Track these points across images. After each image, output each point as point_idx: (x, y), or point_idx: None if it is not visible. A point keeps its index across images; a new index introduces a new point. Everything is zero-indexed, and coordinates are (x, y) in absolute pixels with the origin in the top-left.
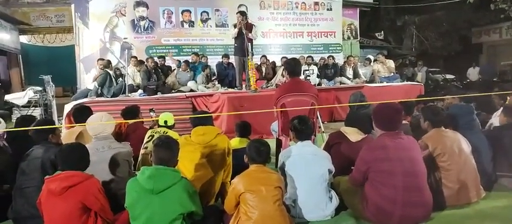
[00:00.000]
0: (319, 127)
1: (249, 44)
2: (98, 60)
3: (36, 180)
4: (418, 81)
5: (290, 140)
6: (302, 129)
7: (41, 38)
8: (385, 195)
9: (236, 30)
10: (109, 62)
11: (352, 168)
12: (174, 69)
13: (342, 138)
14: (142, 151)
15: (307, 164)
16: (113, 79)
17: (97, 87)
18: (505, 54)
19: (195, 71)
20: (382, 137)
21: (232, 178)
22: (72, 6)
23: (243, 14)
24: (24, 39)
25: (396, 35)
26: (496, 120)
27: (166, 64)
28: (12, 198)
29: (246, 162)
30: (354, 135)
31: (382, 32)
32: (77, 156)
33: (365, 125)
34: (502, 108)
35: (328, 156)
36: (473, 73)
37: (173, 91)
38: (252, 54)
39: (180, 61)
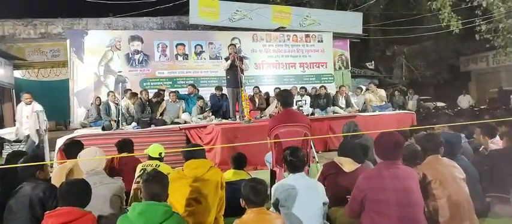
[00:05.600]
0: (313, 157)
1: (242, 75)
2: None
3: (24, 219)
4: (409, 110)
5: (284, 171)
6: (292, 161)
7: (35, 73)
8: None
9: (229, 62)
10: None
11: (348, 197)
12: (162, 102)
13: (336, 168)
14: (134, 185)
15: (301, 198)
16: (106, 112)
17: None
18: (493, 82)
19: (189, 103)
20: (378, 166)
21: (225, 212)
22: (68, 41)
23: (235, 46)
24: (18, 73)
25: (386, 64)
26: (493, 146)
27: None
28: None
29: (243, 206)
30: (347, 164)
31: (373, 62)
32: (75, 192)
33: (358, 154)
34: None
35: (322, 188)
36: (463, 101)
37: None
38: (244, 85)
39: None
